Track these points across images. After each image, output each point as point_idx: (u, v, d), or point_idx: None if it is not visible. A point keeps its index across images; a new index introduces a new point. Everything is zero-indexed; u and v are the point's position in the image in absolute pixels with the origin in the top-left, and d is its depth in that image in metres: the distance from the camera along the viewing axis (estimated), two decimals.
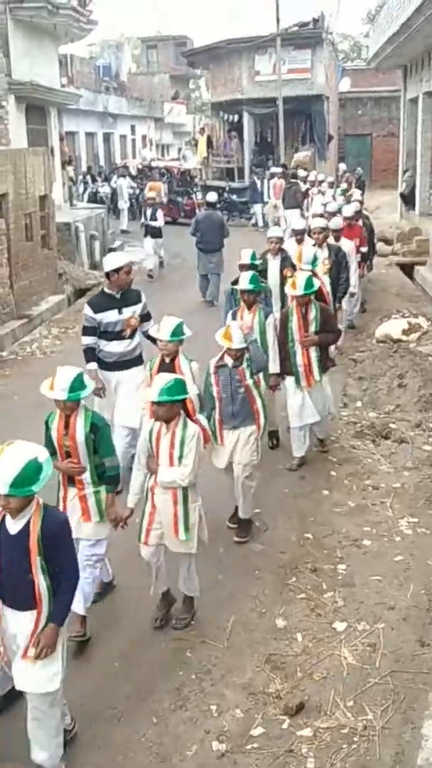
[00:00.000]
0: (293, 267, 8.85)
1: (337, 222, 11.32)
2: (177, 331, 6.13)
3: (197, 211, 20.65)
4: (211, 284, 14.37)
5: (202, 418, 6.02)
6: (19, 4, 17.43)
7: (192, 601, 5.55)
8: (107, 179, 29.11)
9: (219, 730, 4.48)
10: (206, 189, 23.76)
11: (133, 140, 40.91)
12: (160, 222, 17.11)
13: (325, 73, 31.40)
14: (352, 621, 5.40)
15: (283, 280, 8.77)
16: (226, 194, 26.58)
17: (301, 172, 22.92)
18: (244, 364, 6.22)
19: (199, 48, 36.11)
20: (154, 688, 4.84)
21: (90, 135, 33.98)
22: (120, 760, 4.32)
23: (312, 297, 7.38)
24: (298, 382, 7.52)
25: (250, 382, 6.23)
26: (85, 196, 26.52)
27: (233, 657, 5.10)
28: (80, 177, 28.75)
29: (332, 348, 8.29)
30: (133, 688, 4.85)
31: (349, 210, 12.61)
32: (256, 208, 25.12)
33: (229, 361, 6.21)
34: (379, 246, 18.97)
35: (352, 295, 11.51)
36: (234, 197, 26.99)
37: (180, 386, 5.02)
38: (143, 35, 53.75)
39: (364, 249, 12.64)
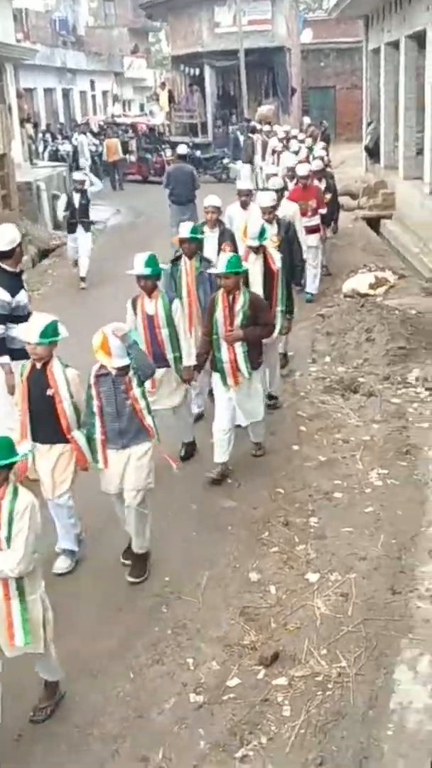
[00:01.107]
0: (233, 241, 8.09)
1: (276, 182, 10.29)
2: (48, 332, 5.21)
3: (167, 167, 20.29)
4: None
5: (78, 436, 5.39)
6: None
7: (55, 686, 4.51)
8: (67, 137, 28.55)
9: (196, 683, 4.55)
10: (173, 145, 23.29)
11: (93, 96, 40.08)
12: (97, 186, 14.66)
13: (287, 25, 30.92)
14: (325, 572, 5.47)
15: None
16: (189, 150, 26.17)
17: (267, 127, 22.54)
18: (131, 371, 5.27)
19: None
20: (130, 645, 4.89)
21: (48, 91, 33.21)
22: (97, 716, 4.38)
23: (240, 282, 6.47)
24: (224, 380, 6.63)
25: (138, 392, 5.30)
26: (46, 155, 26.01)
27: (208, 611, 5.16)
28: (40, 135, 28.17)
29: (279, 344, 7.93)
30: (109, 646, 4.90)
31: (303, 169, 11.69)
32: (239, 166, 22.16)
33: (112, 368, 5.25)
34: (345, 200, 18.89)
35: (303, 261, 10.02)
36: (198, 153, 26.63)
37: (7, 447, 4.00)
38: None
39: (323, 211, 11.74)
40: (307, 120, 27.07)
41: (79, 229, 13.43)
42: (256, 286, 7.14)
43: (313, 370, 9.13)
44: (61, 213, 13.98)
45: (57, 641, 4.78)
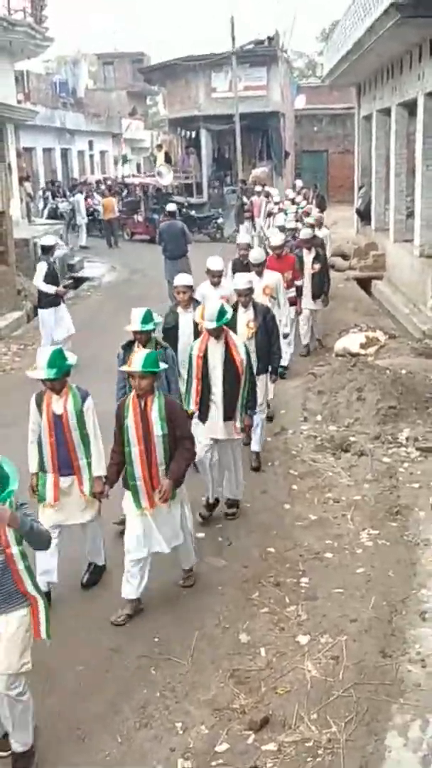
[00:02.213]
0: None
1: (257, 255, 9.44)
2: None
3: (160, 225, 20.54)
4: None
5: None
6: None
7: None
8: (64, 195, 29.04)
9: (184, 748, 4.47)
10: (178, 205, 23.54)
11: (91, 156, 40.92)
12: (63, 249, 13.30)
13: (281, 90, 31.83)
14: (315, 634, 5.42)
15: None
16: (184, 209, 26.60)
17: (267, 189, 22.87)
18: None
19: (156, 65, 36.39)
20: (118, 708, 4.82)
21: (47, 151, 33.93)
22: None
23: (153, 383, 5.50)
24: (137, 501, 5.59)
25: (16, 550, 4.11)
26: (45, 212, 26.45)
27: (197, 673, 5.10)
28: (39, 193, 28.67)
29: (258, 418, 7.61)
30: (97, 708, 4.82)
31: (276, 239, 10.96)
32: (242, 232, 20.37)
33: None
34: (337, 261, 19.22)
35: (285, 336, 9.99)
36: (193, 212, 27.10)
37: None
38: (100, 51, 53.93)
39: (299, 282, 11.11)
40: (299, 183, 27.64)
41: (47, 306, 11.69)
42: (216, 378, 6.65)
43: (305, 429, 9.18)
44: (41, 285, 11.39)
45: (43, 702, 4.74)
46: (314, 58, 54.75)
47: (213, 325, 6.52)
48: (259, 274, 9.16)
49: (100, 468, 5.75)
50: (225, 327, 6.67)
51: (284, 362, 10.35)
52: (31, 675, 4.28)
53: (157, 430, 5.45)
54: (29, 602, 4.25)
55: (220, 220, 26.28)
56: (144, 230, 26.57)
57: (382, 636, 5.38)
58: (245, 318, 7.74)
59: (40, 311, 11.92)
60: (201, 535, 6.73)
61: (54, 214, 25.93)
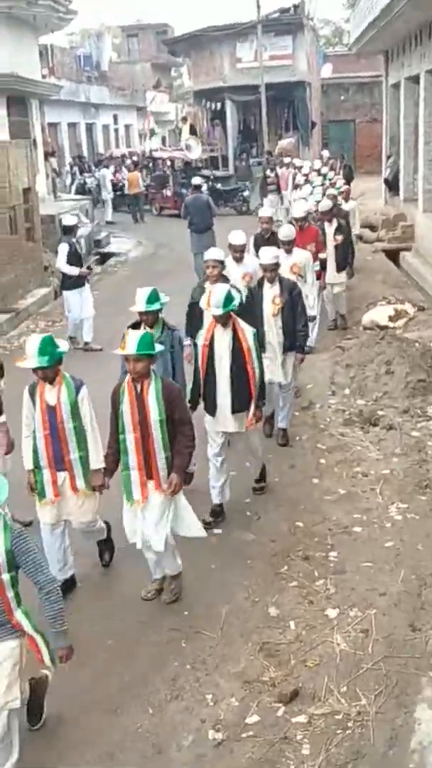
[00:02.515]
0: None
1: (287, 232, 9.22)
2: None
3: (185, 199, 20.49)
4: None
5: None
6: None
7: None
8: (90, 170, 28.98)
9: (215, 719, 4.52)
10: (207, 178, 23.44)
11: (116, 130, 40.73)
12: (87, 228, 13.63)
13: (307, 59, 31.39)
14: (344, 607, 5.44)
15: None
16: (210, 182, 26.35)
17: (295, 160, 22.66)
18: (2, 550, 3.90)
19: (180, 36, 36.03)
20: (149, 680, 4.88)
21: (72, 125, 33.81)
22: (116, 752, 4.36)
23: (149, 367, 5.23)
24: (128, 493, 5.36)
25: (6, 578, 3.93)
26: (73, 188, 26.43)
27: (227, 646, 5.14)
28: (66, 168, 28.62)
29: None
30: (128, 680, 4.89)
31: (299, 210, 10.82)
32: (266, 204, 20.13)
33: None
34: (365, 232, 18.99)
35: (312, 319, 9.70)
36: (219, 185, 26.86)
37: None
38: (123, 24, 53.51)
39: (323, 255, 10.87)
40: (326, 153, 27.29)
41: (72, 288, 11.52)
42: (223, 368, 6.30)
43: (333, 403, 9.13)
44: (64, 267, 11.31)
45: (74, 675, 4.81)
46: (341, 26, 53.80)
47: (219, 311, 6.12)
48: (288, 251, 8.98)
49: (98, 461, 5.47)
50: (233, 314, 6.30)
51: (311, 342, 10.02)
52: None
53: (154, 415, 5.19)
54: (19, 633, 4.03)
55: (246, 193, 25.97)
56: (173, 205, 26.22)
57: (412, 609, 5.38)
58: (271, 294, 7.56)
59: (64, 293, 11.79)
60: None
61: (82, 190, 25.91)
